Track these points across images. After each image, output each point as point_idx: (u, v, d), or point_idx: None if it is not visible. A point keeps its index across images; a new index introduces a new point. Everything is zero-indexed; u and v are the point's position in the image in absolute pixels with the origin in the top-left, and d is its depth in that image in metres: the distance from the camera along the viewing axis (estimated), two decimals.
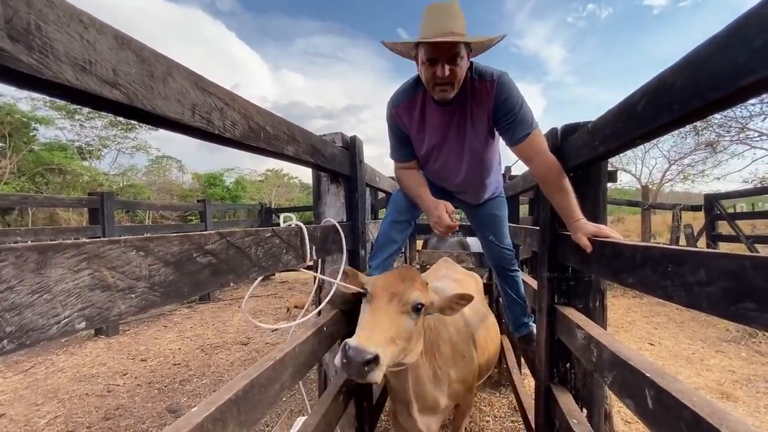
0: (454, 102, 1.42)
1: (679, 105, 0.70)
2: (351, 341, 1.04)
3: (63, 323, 0.46)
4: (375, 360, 1.01)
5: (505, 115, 1.37)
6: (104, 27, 0.54)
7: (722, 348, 3.79)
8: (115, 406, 2.90)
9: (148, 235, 0.62)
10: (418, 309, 1.22)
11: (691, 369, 3.31)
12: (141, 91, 0.58)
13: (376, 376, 1.02)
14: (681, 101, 0.69)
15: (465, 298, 1.31)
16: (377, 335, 1.09)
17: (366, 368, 1.00)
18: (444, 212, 1.44)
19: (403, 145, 1.63)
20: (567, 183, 1.23)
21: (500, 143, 1.63)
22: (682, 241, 6.63)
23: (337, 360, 1.05)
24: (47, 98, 11.53)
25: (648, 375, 0.76)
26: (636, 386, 0.80)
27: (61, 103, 11.99)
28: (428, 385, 1.45)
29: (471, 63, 1.40)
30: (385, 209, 4.19)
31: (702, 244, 6.39)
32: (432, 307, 1.32)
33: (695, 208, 6.94)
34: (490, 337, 1.94)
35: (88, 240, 0.50)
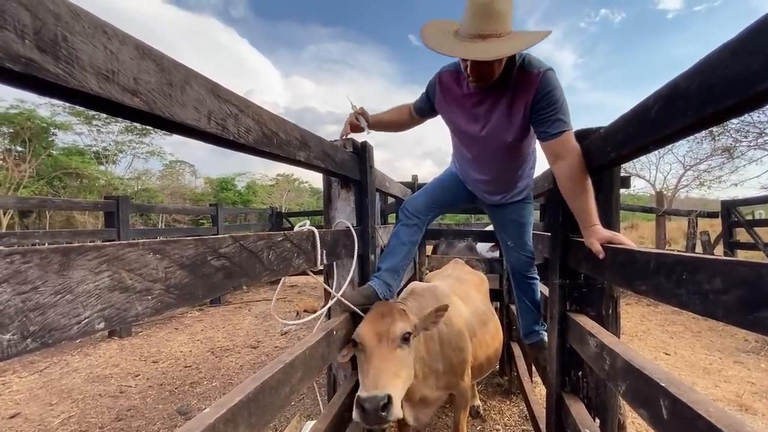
0: (495, 87, 1.43)
1: (693, 111, 0.69)
2: (361, 394, 1.14)
3: (84, 323, 0.47)
4: (389, 401, 1.12)
5: (544, 108, 1.35)
6: (126, 38, 0.56)
7: (741, 359, 3.68)
8: (127, 407, 2.94)
9: (163, 238, 0.64)
10: (407, 339, 1.35)
11: (708, 380, 3.23)
12: (160, 99, 0.60)
13: (395, 413, 1.13)
14: (695, 107, 0.69)
15: (441, 310, 1.46)
16: (382, 378, 1.19)
17: (383, 412, 1.11)
18: (354, 112, 1.68)
19: (423, 102, 1.71)
20: (590, 186, 1.22)
21: (538, 148, 1.59)
22: (698, 248, 6.49)
23: (355, 415, 1.14)
24: (66, 104, 11.88)
25: (663, 384, 0.75)
26: (650, 396, 0.79)
27: (80, 109, 12.34)
28: (417, 386, 1.54)
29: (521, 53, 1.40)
30: (394, 214, 4.20)
31: (719, 252, 6.24)
32: (416, 329, 1.43)
33: (712, 215, 6.78)
34: (490, 334, 1.99)
35: (108, 243, 0.52)
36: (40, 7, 0.45)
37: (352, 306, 1.50)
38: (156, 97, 0.60)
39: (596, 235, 1.12)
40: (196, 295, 0.67)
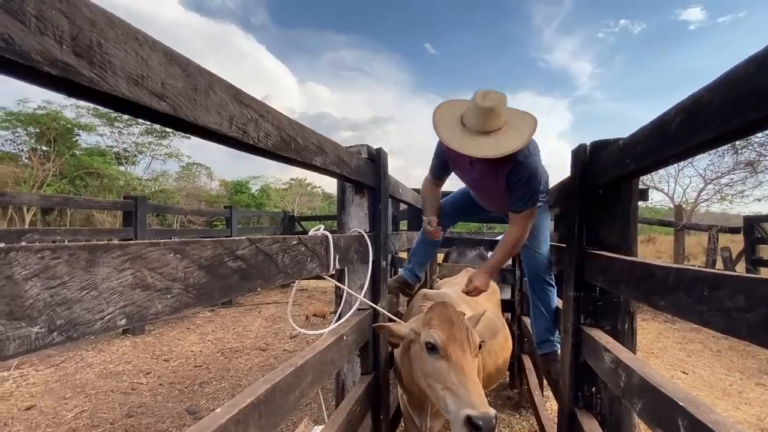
0: None
1: (717, 124, 0.68)
2: (472, 412, 1.10)
3: (106, 319, 0.48)
4: (497, 420, 1.12)
5: (513, 190, 1.63)
6: (156, 44, 0.58)
7: (763, 380, 3.54)
8: (137, 404, 2.98)
9: (177, 238, 0.65)
10: (481, 346, 1.41)
11: (728, 402, 3.12)
12: (185, 104, 0.62)
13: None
14: (719, 120, 0.68)
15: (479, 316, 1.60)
16: (483, 394, 1.20)
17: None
18: (427, 224, 1.87)
19: (439, 167, 1.90)
20: (514, 251, 1.77)
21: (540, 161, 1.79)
22: (719, 264, 6.30)
23: None
24: (91, 106, 12.27)
25: (681, 404, 0.73)
26: (668, 415, 0.77)
27: (103, 110, 12.73)
28: None
29: None
30: (406, 221, 4.19)
31: (741, 269, 6.05)
32: None
33: (733, 231, 6.58)
34: (499, 344, 2.00)
35: (132, 242, 0.53)
36: (78, 14, 0.48)
37: (374, 305, 1.59)
38: (182, 101, 0.61)
39: (480, 277, 1.63)
40: (213, 296, 0.68)
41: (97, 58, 0.49)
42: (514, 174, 1.59)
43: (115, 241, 0.57)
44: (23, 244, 0.42)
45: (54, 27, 0.45)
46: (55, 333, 0.43)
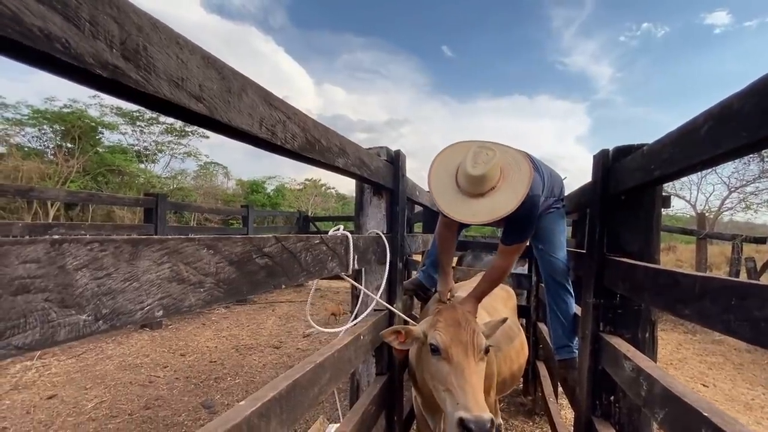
0: None
1: (748, 132, 0.67)
2: (465, 415, 1.09)
3: (146, 310, 0.51)
4: (492, 424, 1.09)
5: (508, 219, 1.55)
6: (195, 48, 0.60)
7: None
8: (155, 397, 3.06)
9: (215, 235, 0.68)
10: (488, 350, 1.38)
11: (750, 416, 3.02)
12: (220, 105, 0.64)
13: None
14: (750, 128, 0.67)
15: (502, 322, 1.53)
16: (480, 397, 1.17)
17: None
18: (445, 293, 1.83)
19: None
20: (498, 281, 1.71)
21: (547, 172, 1.78)
22: (743, 275, 6.10)
23: None
24: (114, 105, 12.63)
25: (705, 414, 0.72)
26: (691, 426, 0.76)
27: (126, 109, 13.09)
28: None
29: None
30: (420, 223, 4.19)
31: (765, 280, 5.84)
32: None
33: (759, 240, 6.36)
34: (515, 350, 1.98)
35: (169, 237, 0.55)
36: (126, 20, 0.50)
37: (390, 307, 1.59)
38: (217, 103, 0.64)
39: (469, 305, 1.53)
40: (241, 291, 0.70)
41: (143, 62, 0.52)
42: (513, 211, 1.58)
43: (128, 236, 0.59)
44: (74, 236, 0.45)
45: (105, 32, 0.48)
46: (100, 321, 0.46)
